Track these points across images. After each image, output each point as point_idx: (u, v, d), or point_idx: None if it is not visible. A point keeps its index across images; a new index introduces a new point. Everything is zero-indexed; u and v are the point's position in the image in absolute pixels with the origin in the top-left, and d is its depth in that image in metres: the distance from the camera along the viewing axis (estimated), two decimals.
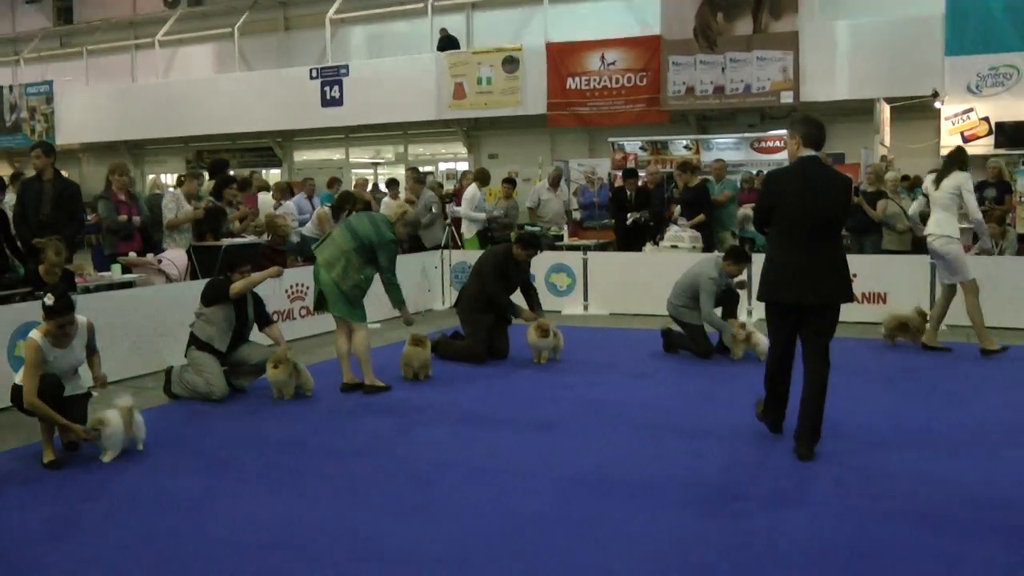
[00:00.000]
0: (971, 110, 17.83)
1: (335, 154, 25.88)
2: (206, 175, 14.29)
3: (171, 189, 12.28)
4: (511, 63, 20.85)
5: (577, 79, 20.39)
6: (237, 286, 8.68)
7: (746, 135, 18.64)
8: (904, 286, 12.07)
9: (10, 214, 10.63)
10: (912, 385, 8.90)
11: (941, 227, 10.09)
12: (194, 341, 8.77)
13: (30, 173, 11.66)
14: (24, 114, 26.96)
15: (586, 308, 13.70)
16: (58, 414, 6.63)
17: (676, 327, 10.49)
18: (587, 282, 13.76)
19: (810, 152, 6.60)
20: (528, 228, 15.18)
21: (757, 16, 18.91)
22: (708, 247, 13.89)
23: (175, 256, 11.50)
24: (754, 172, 16.56)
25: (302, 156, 26.18)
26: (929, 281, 11.88)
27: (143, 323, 9.73)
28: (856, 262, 11.63)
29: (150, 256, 11.48)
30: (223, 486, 6.21)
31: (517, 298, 10.42)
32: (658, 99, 19.72)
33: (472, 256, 13.62)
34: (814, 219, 6.44)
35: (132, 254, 11.35)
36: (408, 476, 6.32)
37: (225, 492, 6.08)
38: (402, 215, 8.99)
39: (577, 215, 18.17)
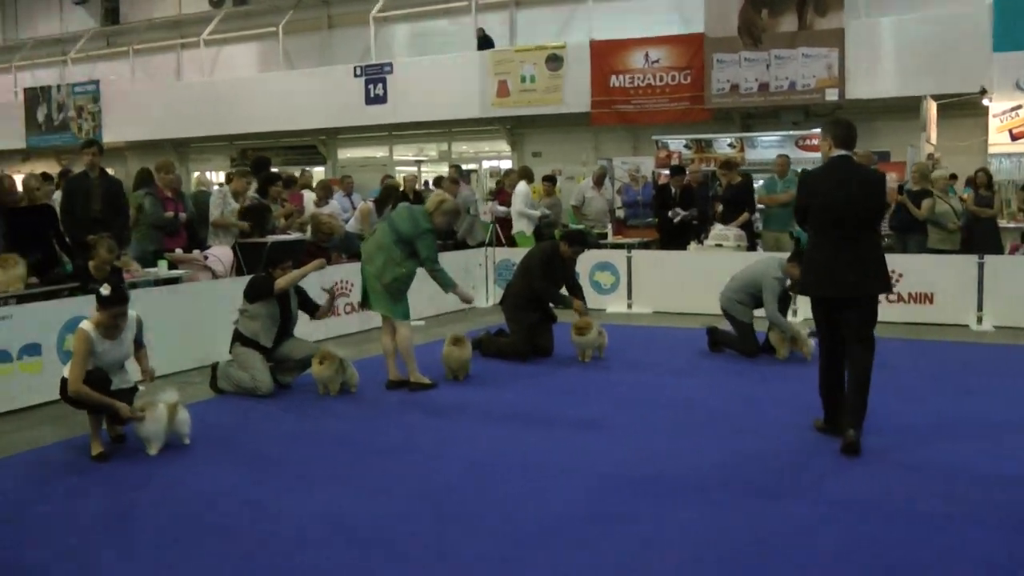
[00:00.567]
0: (1020, 107, 17.52)
1: (379, 152, 25.92)
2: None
3: (218, 187, 12.33)
4: (555, 61, 20.78)
5: (621, 77, 20.28)
6: (281, 282, 8.71)
7: (791, 133, 18.48)
8: (952, 286, 11.93)
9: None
10: (960, 382, 8.78)
11: None
12: (239, 337, 8.82)
13: (77, 170, 11.77)
14: (71, 113, 27.22)
15: (630, 306, 13.65)
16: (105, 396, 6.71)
17: (721, 325, 10.41)
18: (631, 280, 13.72)
19: (842, 152, 6.82)
20: (573, 227, 15.13)
21: (802, 13, 18.73)
22: (752, 246, 13.80)
23: (221, 252, 11.56)
24: (799, 170, 16.40)
25: (346, 154, 26.24)
26: (977, 281, 11.73)
27: (189, 318, 9.81)
28: (900, 261, 11.59)
29: (196, 252, 11.56)
30: (268, 481, 6.24)
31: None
32: (702, 97, 19.58)
33: (515, 253, 13.62)
34: (847, 215, 6.65)
35: (178, 250, 11.42)
36: (450, 473, 6.33)
37: (270, 487, 6.11)
38: (439, 204, 8.96)
39: (621, 213, 18.10)
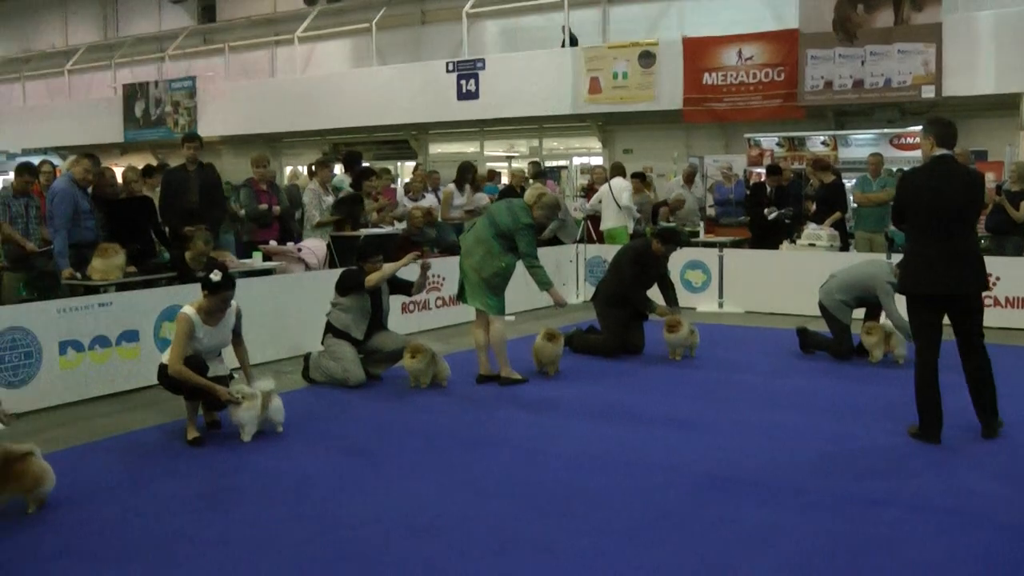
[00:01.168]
0: None
1: (470, 147, 25.98)
2: (339, 166, 14.59)
3: (310, 189, 12.49)
4: (647, 58, 20.63)
5: (713, 74, 20.06)
6: (372, 278, 8.76)
7: (885, 131, 18.13)
8: None
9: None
10: None
11: None
12: (331, 329, 8.91)
13: (175, 164, 11.99)
14: (168, 108, 27.73)
15: (721, 305, 13.51)
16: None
17: (812, 325, 10.24)
18: (722, 279, 13.57)
19: (943, 151, 6.80)
20: (664, 225, 15.01)
21: (898, 7, 18.35)
22: (845, 246, 13.57)
23: (314, 245, 11.70)
24: (893, 169, 16.07)
25: (437, 149, 26.36)
26: None
27: (283, 309, 9.94)
28: (997, 264, 11.28)
29: (290, 245, 11.71)
30: (359, 471, 6.29)
31: (654, 292, 10.31)
32: (795, 94, 19.28)
33: (606, 250, 13.56)
34: (949, 215, 6.66)
35: (272, 242, 11.58)
36: (540, 468, 6.32)
37: (361, 477, 6.16)
38: (539, 197, 8.91)
39: (712, 211, 17.93)
